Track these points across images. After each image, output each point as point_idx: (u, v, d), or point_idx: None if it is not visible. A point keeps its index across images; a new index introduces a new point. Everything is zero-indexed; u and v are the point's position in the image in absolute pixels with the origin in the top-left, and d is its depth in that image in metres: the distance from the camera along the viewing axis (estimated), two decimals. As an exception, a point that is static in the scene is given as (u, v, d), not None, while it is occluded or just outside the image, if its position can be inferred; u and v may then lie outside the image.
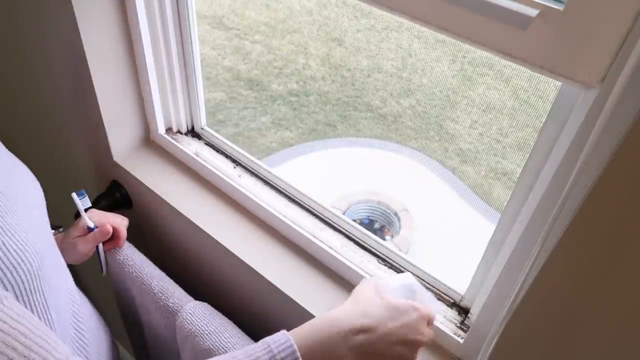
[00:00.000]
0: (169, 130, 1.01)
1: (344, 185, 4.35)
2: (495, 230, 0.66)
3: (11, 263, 0.48)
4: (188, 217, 0.90)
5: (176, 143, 0.97)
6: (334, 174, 4.54)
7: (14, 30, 0.97)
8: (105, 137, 0.95)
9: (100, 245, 0.88)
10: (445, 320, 0.74)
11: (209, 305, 0.83)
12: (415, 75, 4.99)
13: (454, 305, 0.76)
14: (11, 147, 0.65)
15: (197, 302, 0.83)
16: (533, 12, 0.44)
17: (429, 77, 4.93)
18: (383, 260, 0.82)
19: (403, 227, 4.11)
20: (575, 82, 0.46)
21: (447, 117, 4.70)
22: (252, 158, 0.94)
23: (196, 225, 0.89)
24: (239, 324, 0.80)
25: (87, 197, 0.84)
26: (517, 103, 4.64)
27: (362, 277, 0.77)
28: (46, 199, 0.66)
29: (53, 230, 0.87)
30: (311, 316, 0.76)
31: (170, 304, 0.83)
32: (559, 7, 0.43)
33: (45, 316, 0.54)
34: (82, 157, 1.10)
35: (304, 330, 0.52)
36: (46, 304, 0.54)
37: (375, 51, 5.18)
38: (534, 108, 4.53)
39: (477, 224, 4.16)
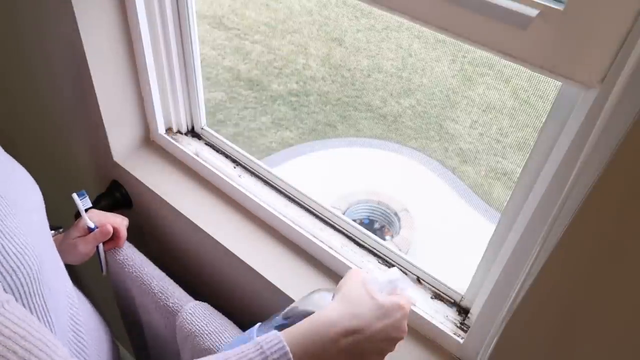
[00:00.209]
0: (169, 130, 1.01)
1: (344, 185, 4.34)
2: (495, 230, 0.66)
3: (10, 266, 0.48)
4: (188, 217, 0.90)
5: (176, 143, 0.97)
6: (334, 174, 4.54)
7: (14, 30, 0.97)
8: (105, 137, 0.95)
9: (101, 246, 0.88)
10: (445, 320, 0.74)
11: (209, 305, 0.83)
12: (415, 75, 4.99)
13: (454, 305, 0.76)
14: (11, 148, 0.65)
15: (197, 302, 0.83)
16: (533, 12, 0.44)
17: (429, 77, 4.93)
18: (383, 260, 0.82)
19: (403, 227, 4.10)
20: (575, 82, 0.46)
21: (447, 117, 4.69)
22: (252, 158, 0.95)
23: (196, 225, 0.89)
24: (239, 324, 0.80)
25: (87, 198, 0.84)
26: (517, 103, 4.63)
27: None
28: (46, 200, 0.66)
29: (53, 231, 0.88)
30: (311, 316, 0.76)
31: (170, 304, 0.83)
32: (559, 7, 0.43)
33: (44, 319, 0.54)
34: (82, 157, 1.10)
35: (296, 331, 0.53)
36: (46, 306, 0.54)
37: (375, 51, 5.18)
38: (534, 108, 4.53)
39: (477, 224, 4.16)
